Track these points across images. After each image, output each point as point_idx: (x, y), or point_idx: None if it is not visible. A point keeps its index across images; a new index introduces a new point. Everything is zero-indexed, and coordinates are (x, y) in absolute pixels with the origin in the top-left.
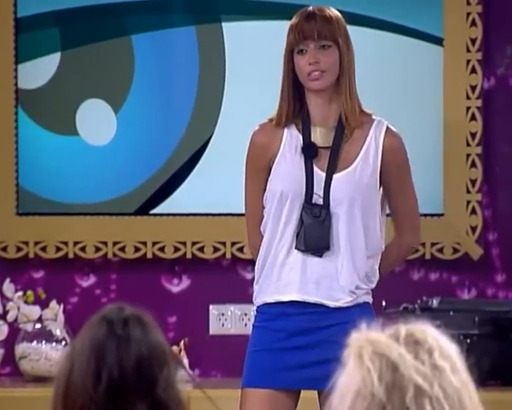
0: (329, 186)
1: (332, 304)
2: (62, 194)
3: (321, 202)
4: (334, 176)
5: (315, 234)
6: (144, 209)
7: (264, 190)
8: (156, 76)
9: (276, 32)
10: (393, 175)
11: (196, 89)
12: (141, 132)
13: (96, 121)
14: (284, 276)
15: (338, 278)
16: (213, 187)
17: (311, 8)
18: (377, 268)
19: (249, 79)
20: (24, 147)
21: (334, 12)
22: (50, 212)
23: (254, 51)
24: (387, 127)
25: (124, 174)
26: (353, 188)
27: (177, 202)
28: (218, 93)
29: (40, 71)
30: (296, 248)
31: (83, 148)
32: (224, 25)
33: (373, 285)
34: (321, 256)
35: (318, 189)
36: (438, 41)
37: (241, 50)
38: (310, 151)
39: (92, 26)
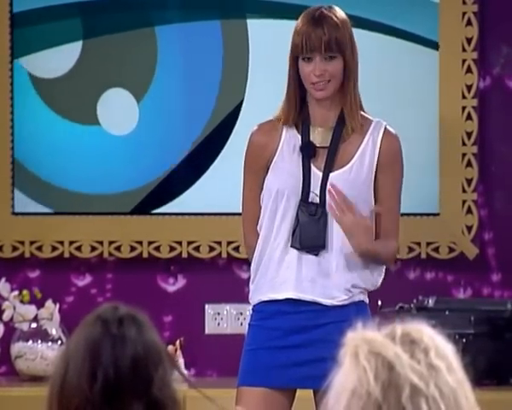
0: (326, 185)
1: (327, 302)
2: (80, 184)
3: (317, 200)
4: (331, 175)
5: (311, 232)
6: (162, 202)
7: (262, 190)
8: (179, 68)
9: None
10: (387, 176)
11: (219, 83)
12: (163, 122)
13: (118, 111)
14: (280, 274)
15: (333, 277)
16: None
17: (318, 11)
18: (376, 267)
19: (271, 77)
20: (42, 136)
21: (341, 16)
22: (46, 212)
23: (278, 49)
24: (386, 128)
25: (144, 165)
26: (348, 186)
27: (177, 202)
28: (240, 88)
29: (60, 60)
30: (292, 246)
31: (104, 137)
32: (249, 21)
33: (372, 285)
34: (316, 255)
35: (315, 187)
36: (434, 45)
37: (264, 47)
38: (308, 150)
39: (115, 17)
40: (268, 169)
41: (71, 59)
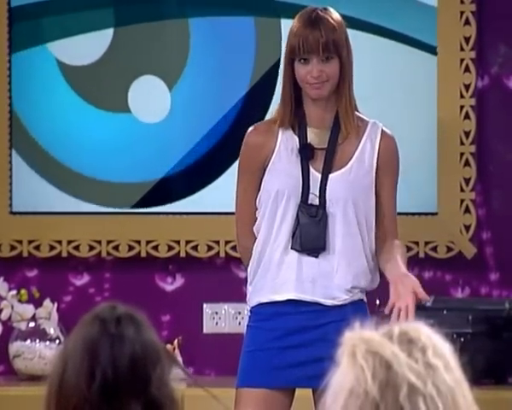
0: (325, 186)
1: (328, 302)
2: (109, 173)
3: (317, 202)
4: (330, 176)
5: (311, 234)
6: (193, 190)
7: (257, 191)
8: (211, 62)
9: None
10: (387, 177)
11: (250, 77)
12: (195, 111)
13: (150, 98)
14: (280, 275)
15: (334, 277)
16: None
17: (314, 12)
18: (375, 267)
19: None
20: (70, 124)
21: (336, 17)
22: (44, 211)
23: None
24: (383, 129)
25: (174, 154)
26: (348, 188)
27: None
28: (271, 85)
29: (90, 47)
30: (292, 248)
31: (134, 125)
32: (283, 21)
33: (371, 284)
34: (317, 256)
35: (314, 189)
36: (432, 49)
37: None
38: (306, 152)
39: (148, 6)
40: (264, 171)
41: (101, 46)
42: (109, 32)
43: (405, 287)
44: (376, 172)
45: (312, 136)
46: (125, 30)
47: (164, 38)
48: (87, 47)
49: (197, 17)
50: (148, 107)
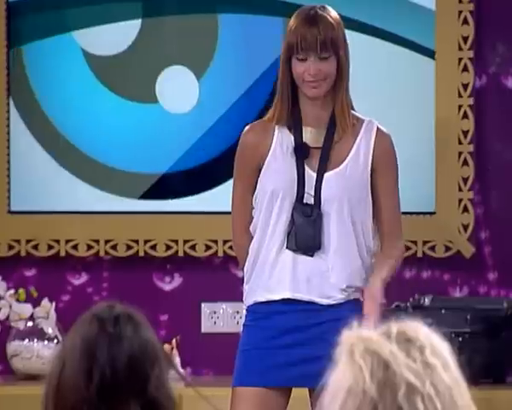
0: (320, 186)
1: (323, 301)
2: (137, 164)
3: (312, 201)
4: (325, 175)
5: (306, 234)
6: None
7: (253, 190)
8: (238, 59)
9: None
10: (385, 177)
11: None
12: (223, 102)
13: (178, 89)
14: (275, 274)
15: (329, 276)
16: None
17: (312, 10)
18: (371, 266)
19: None
20: (95, 113)
21: (334, 16)
22: (42, 210)
23: None
24: (378, 128)
25: (201, 145)
26: (343, 187)
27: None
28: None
29: (117, 38)
30: (287, 247)
31: (162, 116)
32: None
33: (367, 283)
34: (312, 256)
35: (309, 188)
36: (430, 53)
37: None
38: (302, 151)
39: (177, 0)
40: (260, 170)
41: (128, 37)
42: (137, 22)
43: (368, 299)
44: (373, 172)
45: (308, 135)
46: (152, 21)
47: (192, 31)
48: (114, 37)
49: (227, 13)
50: (175, 97)
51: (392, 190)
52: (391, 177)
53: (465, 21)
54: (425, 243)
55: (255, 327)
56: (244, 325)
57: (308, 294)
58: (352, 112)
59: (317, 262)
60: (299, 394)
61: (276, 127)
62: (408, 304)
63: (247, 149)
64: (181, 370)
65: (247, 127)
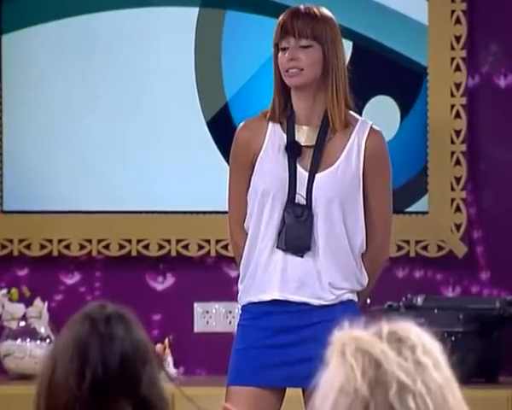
0: (312, 186)
1: (315, 302)
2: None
3: (303, 201)
4: (317, 176)
5: (296, 234)
6: None
7: (248, 187)
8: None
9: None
10: (376, 177)
11: None
12: None
13: None
14: (267, 275)
15: (320, 277)
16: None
17: (302, 5)
18: (363, 267)
19: None
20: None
21: (323, 11)
22: (35, 210)
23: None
24: (371, 128)
25: None
26: (335, 187)
27: (162, 199)
28: None
29: None
30: (277, 247)
31: None
32: None
33: (360, 284)
34: (302, 256)
35: (301, 188)
36: (422, 69)
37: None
38: (293, 150)
39: None
40: (254, 166)
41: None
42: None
43: None
44: (365, 172)
45: (300, 133)
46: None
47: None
48: None
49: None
50: None
51: (381, 191)
52: (381, 178)
53: (458, 21)
54: (418, 242)
55: (249, 327)
56: (238, 324)
57: (298, 295)
58: (350, 112)
59: (308, 263)
60: (294, 394)
61: (270, 124)
62: (400, 304)
63: (241, 145)
64: (172, 370)
65: (241, 123)
